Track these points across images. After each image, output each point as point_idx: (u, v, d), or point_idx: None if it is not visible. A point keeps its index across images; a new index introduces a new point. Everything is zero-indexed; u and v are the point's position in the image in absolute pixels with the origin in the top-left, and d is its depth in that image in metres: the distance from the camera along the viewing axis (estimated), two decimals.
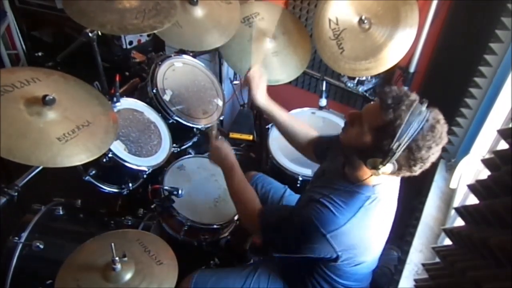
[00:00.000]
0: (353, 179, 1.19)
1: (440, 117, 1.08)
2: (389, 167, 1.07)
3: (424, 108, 1.05)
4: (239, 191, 1.39)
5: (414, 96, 1.06)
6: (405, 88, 1.12)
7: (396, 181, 1.24)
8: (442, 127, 1.07)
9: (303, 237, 1.16)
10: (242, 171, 1.44)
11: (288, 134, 1.59)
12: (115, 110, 1.73)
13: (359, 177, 1.18)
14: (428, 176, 1.96)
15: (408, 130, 1.01)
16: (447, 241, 1.15)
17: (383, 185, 1.18)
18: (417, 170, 1.08)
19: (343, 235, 1.13)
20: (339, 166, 1.27)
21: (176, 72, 1.99)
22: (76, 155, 1.29)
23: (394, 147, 1.02)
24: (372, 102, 1.15)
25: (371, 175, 1.14)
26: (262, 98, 1.56)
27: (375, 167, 1.08)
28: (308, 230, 1.14)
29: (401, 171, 1.08)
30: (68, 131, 1.30)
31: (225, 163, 1.45)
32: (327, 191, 1.18)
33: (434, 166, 1.98)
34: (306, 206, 1.18)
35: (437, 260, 1.23)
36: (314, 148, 1.53)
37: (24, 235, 1.50)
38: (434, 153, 1.06)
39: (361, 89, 2.32)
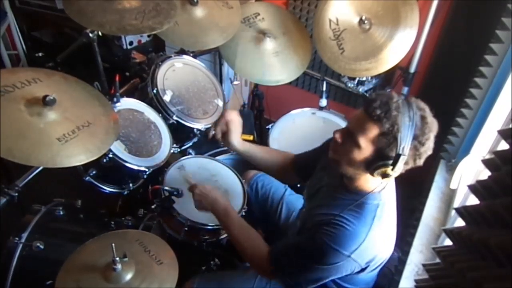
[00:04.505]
0: (356, 189, 1.19)
1: (422, 104, 1.10)
2: (399, 169, 1.07)
3: (405, 102, 1.06)
4: (242, 236, 1.31)
5: (395, 95, 1.07)
6: (387, 90, 1.12)
7: (392, 180, 1.24)
8: (429, 113, 1.08)
9: (327, 265, 1.13)
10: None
11: (268, 167, 1.59)
12: (115, 110, 1.72)
13: (362, 186, 1.17)
14: (428, 176, 1.97)
15: (406, 131, 1.02)
16: (448, 242, 1.15)
17: (386, 189, 1.19)
18: (422, 161, 1.10)
19: (366, 250, 1.12)
20: (336, 179, 1.25)
21: (177, 73, 1.99)
22: (76, 155, 1.29)
23: (400, 151, 1.03)
24: (356, 115, 1.12)
25: (381, 183, 1.15)
26: (239, 144, 1.54)
27: (386, 175, 1.09)
28: (330, 256, 1.11)
29: (407, 165, 1.09)
30: (68, 132, 1.30)
31: (217, 209, 1.38)
32: (334, 209, 1.16)
33: (435, 166, 1.99)
34: (319, 232, 1.13)
35: (438, 260, 1.22)
36: (294, 168, 1.54)
37: (25, 235, 1.49)
38: (432, 140, 1.08)
39: (361, 89, 2.32)
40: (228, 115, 1.52)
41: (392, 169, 1.06)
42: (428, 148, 1.07)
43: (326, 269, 1.14)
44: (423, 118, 1.05)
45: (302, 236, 1.23)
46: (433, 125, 1.07)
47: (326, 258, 1.12)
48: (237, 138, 1.53)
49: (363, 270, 1.17)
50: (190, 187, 1.48)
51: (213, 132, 1.54)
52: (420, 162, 1.09)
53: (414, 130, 1.03)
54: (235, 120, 1.52)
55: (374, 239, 1.13)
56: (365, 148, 1.08)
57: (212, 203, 1.39)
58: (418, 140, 1.04)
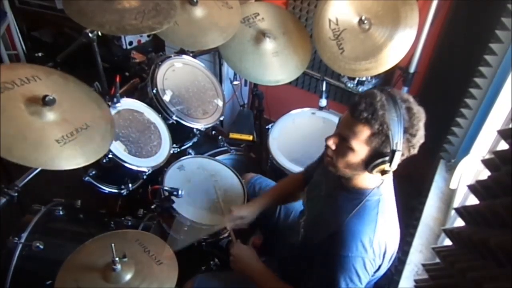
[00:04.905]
0: (354, 187, 1.20)
1: (405, 95, 1.11)
2: (396, 162, 1.08)
3: (389, 97, 1.06)
4: None
5: (378, 92, 1.08)
6: (365, 89, 1.12)
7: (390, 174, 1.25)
8: (414, 102, 1.09)
9: (353, 279, 1.12)
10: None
11: (289, 198, 1.63)
12: (115, 110, 1.73)
13: (361, 184, 1.18)
14: (428, 176, 1.96)
15: (397, 127, 1.04)
16: (447, 242, 1.15)
17: (384, 183, 1.19)
18: (417, 150, 1.11)
19: (377, 246, 1.13)
20: (335, 181, 1.25)
21: (176, 73, 1.99)
22: (74, 158, 1.29)
23: (394, 147, 1.05)
24: (344, 119, 1.13)
25: (381, 179, 1.15)
26: (256, 213, 1.54)
27: (385, 172, 1.10)
28: (352, 267, 1.11)
29: (403, 156, 1.10)
30: (67, 133, 1.30)
31: (252, 270, 1.38)
32: (338, 216, 1.16)
33: (435, 166, 1.98)
34: (332, 248, 1.13)
35: (437, 260, 1.22)
36: (306, 183, 1.55)
37: (24, 235, 1.49)
38: (423, 128, 1.09)
39: (361, 89, 2.32)
40: (231, 227, 1.53)
41: (390, 165, 1.08)
42: (420, 137, 1.09)
43: (353, 281, 1.13)
44: (409, 109, 1.07)
45: (319, 266, 1.20)
46: (421, 114, 1.09)
47: (350, 271, 1.11)
48: (250, 215, 1.54)
49: (379, 267, 1.18)
50: (231, 244, 1.49)
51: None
52: (415, 151, 1.11)
53: (403, 124, 1.05)
54: (241, 223, 1.54)
55: (382, 233, 1.14)
56: (360, 150, 1.09)
57: (247, 265, 1.40)
58: (409, 133, 1.06)
